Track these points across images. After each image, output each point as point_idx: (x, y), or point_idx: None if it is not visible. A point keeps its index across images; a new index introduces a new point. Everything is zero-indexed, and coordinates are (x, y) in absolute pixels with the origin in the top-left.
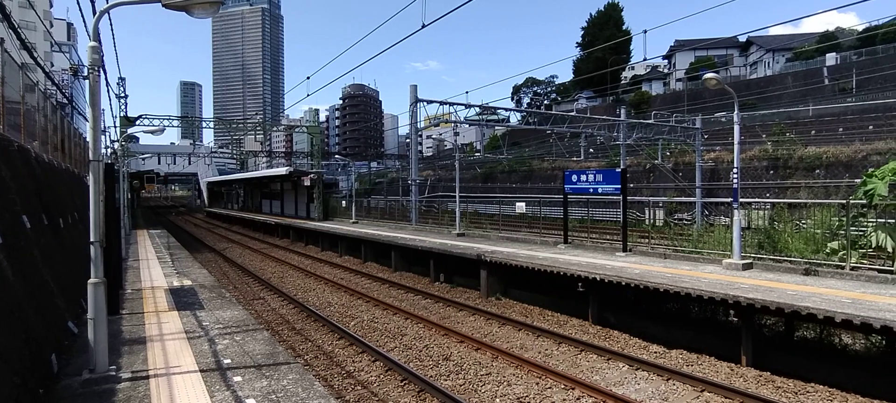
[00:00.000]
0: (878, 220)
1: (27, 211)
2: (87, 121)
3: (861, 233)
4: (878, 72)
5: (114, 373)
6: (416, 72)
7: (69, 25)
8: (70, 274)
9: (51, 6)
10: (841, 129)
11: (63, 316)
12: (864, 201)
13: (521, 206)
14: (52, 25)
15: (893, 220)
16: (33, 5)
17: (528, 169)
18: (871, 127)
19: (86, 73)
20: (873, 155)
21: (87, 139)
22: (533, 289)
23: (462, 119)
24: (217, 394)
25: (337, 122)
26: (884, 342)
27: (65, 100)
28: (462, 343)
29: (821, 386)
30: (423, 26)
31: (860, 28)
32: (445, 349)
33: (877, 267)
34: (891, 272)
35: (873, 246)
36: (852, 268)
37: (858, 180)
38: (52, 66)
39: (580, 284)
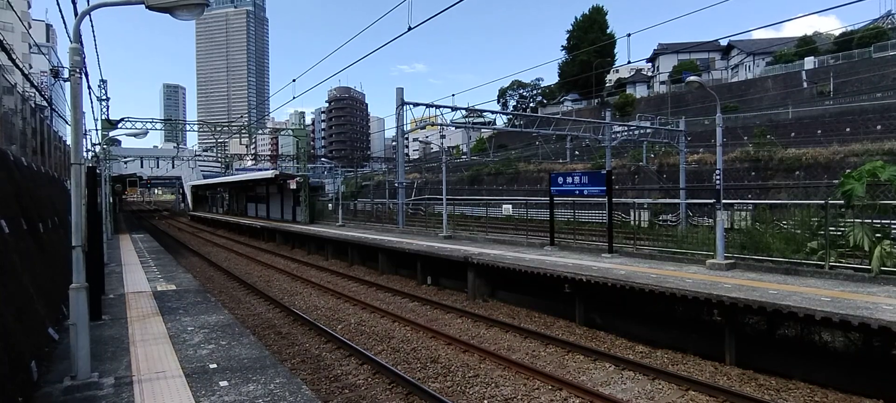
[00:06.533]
0: (856, 220)
1: (5, 216)
2: (67, 124)
3: (840, 233)
4: (854, 76)
5: (96, 380)
6: (403, 74)
7: (48, 27)
8: (50, 280)
9: (29, 7)
10: (819, 132)
11: (43, 322)
12: (843, 202)
13: (507, 208)
14: (30, 26)
15: (870, 220)
16: (11, 6)
17: (514, 171)
18: (848, 129)
19: (66, 76)
20: (850, 156)
21: (68, 142)
22: (520, 291)
23: (448, 122)
24: (203, 399)
25: (323, 125)
26: (861, 339)
27: (44, 103)
28: (450, 345)
29: (802, 383)
30: (410, 29)
31: (837, 32)
32: (433, 351)
33: (854, 266)
34: (868, 271)
35: (851, 245)
36: (831, 267)
37: (837, 181)
38: (31, 67)
39: (567, 285)
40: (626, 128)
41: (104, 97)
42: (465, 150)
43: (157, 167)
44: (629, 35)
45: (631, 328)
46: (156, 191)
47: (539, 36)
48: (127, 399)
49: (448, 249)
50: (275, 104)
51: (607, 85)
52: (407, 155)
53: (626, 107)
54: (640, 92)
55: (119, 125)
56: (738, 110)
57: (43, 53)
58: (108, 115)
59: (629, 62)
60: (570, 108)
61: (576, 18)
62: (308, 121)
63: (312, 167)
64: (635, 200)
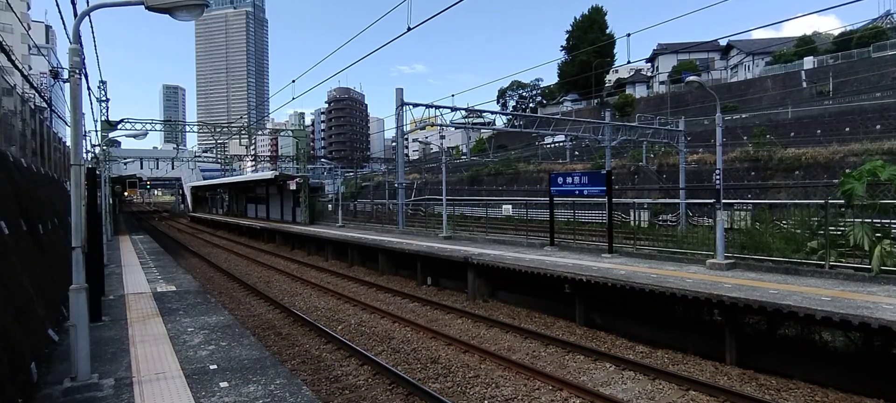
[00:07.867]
0: (856, 220)
1: (5, 217)
2: (67, 125)
3: (840, 233)
4: (853, 76)
5: (96, 381)
6: (402, 75)
7: (48, 28)
8: (50, 281)
9: (29, 8)
10: (819, 131)
11: (43, 323)
12: (843, 201)
13: (507, 209)
14: (29, 28)
15: (870, 220)
16: (11, 7)
17: (513, 171)
18: (847, 129)
19: (66, 77)
20: (849, 156)
21: (68, 143)
22: (520, 291)
23: (448, 122)
24: (203, 400)
25: (323, 126)
26: (862, 338)
27: (44, 104)
28: (450, 345)
29: (802, 383)
30: (409, 29)
31: (836, 32)
32: (433, 352)
33: (854, 265)
34: (868, 270)
35: (851, 244)
36: (831, 267)
37: (836, 181)
38: (31, 69)
39: (567, 286)
40: (623, 125)
41: (104, 98)
42: (464, 151)
43: (157, 168)
44: (629, 35)
45: (631, 328)
46: (156, 193)
47: (539, 36)
48: (127, 401)
49: (448, 250)
50: (274, 105)
51: (607, 85)
52: (407, 155)
53: (625, 108)
54: (639, 92)
55: (119, 126)
56: (737, 110)
57: (42, 54)
58: (107, 116)
59: (629, 62)
60: (569, 109)
61: (575, 19)
62: (308, 121)
63: (312, 168)
64: (635, 200)
